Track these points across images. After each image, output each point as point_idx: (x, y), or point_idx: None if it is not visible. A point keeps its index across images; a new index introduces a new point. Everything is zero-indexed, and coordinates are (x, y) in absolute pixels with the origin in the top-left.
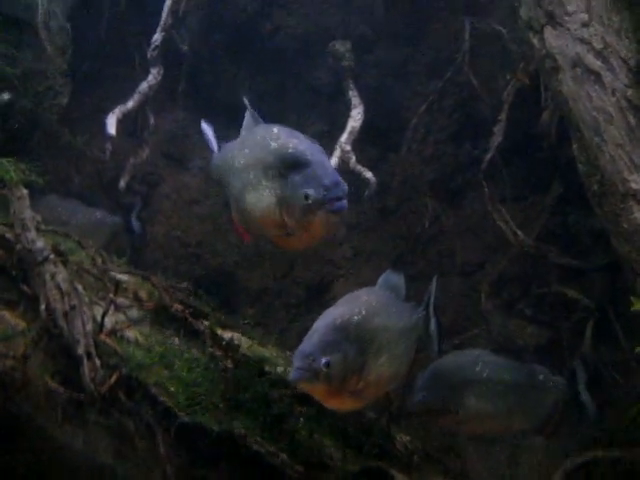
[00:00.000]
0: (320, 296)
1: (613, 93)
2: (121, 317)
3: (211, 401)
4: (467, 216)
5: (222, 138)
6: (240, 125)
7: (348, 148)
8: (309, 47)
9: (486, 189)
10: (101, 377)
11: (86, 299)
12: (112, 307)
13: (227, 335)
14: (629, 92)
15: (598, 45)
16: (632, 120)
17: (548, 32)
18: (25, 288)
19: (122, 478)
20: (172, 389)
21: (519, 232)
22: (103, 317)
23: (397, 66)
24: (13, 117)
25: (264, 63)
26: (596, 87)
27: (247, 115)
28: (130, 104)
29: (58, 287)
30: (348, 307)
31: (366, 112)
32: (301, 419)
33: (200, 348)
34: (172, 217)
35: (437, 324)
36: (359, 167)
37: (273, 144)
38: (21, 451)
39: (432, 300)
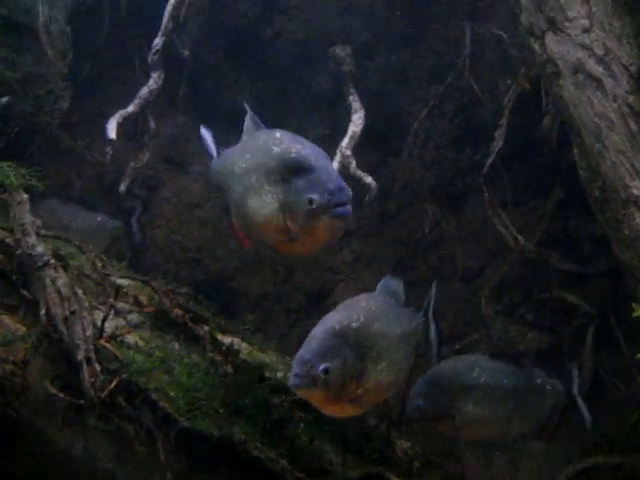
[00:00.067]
0: (320, 301)
1: (614, 99)
2: (121, 322)
3: (211, 406)
4: (468, 221)
5: (223, 143)
6: (241, 130)
7: (349, 153)
8: (310, 52)
9: (487, 194)
10: (101, 382)
11: (86, 304)
12: (112, 312)
13: (227, 340)
14: (630, 98)
15: (599, 51)
16: (633, 126)
17: (549, 38)
18: (25, 293)
19: None
20: (172, 394)
21: (520, 237)
22: (103, 322)
23: (398, 71)
24: (13, 121)
25: (265, 68)
26: (597, 93)
27: (247, 120)
28: (130, 108)
29: (58, 292)
30: (347, 313)
31: (367, 117)
32: (301, 425)
33: (200, 353)
34: (172, 221)
35: (437, 330)
36: (359, 172)
37: (276, 149)
38: (21, 455)
39: (432, 306)
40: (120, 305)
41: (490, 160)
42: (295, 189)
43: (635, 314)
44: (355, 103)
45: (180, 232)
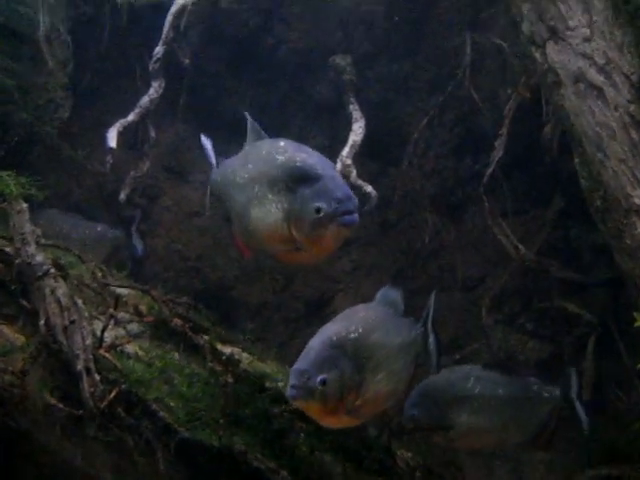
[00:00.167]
0: (320, 310)
1: (616, 108)
2: (121, 332)
3: (211, 417)
4: (468, 230)
5: (224, 152)
6: (241, 139)
7: (349, 162)
8: (310, 61)
9: (487, 203)
10: (100, 392)
11: (86, 314)
12: (112, 321)
13: (227, 350)
14: (632, 108)
15: (600, 60)
16: (635, 136)
17: (550, 47)
18: (24, 302)
19: None
20: (172, 404)
21: (520, 246)
22: (103, 332)
23: (398, 80)
24: (13, 130)
25: (265, 77)
26: (598, 102)
27: (249, 129)
28: (131, 117)
29: (58, 301)
30: (345, 323)
31: (367, 126)
32: (302, 435)
33: (200, 363)
34: (172, 230)
35: (436, 340)
36: (360, 181)
37: (280, 158)
38: (22, 466)
39: (431, 316)
40: (120, 315)
41: (490, 169)
42: (301, 198)
43: (637, 324)
44: (356, 112)
45: (180, 241)
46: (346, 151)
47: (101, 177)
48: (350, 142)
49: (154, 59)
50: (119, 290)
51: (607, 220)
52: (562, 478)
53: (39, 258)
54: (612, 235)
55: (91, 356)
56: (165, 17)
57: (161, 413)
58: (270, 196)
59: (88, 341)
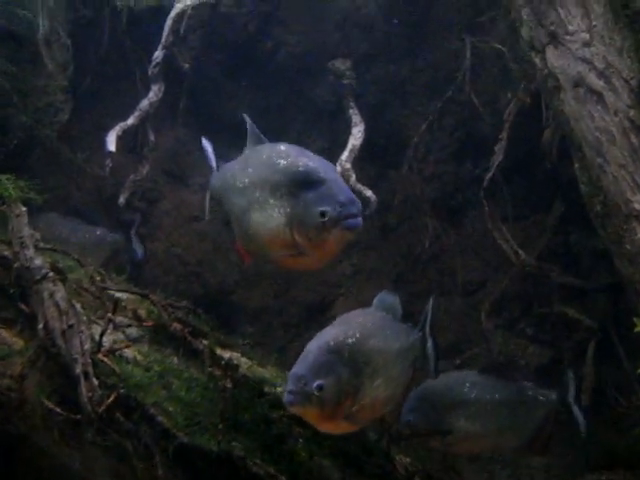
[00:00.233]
0: (320, 315)
1: (615, 113)
2: (120, 336)
3: (210, 421)
4: (468, 235)
5: (223, 156)
6: (241, 143)
7: (349, 166)
8: (310, 65)
9: (487, 208)
10: (99, 397)
11: (84, 318)
12: (111, 326)
13: (226, 355)
14: (631, 112)
15: (600, 65)
16: (635, 141)
17: (550, 51)
18: (23, 306)
19: None
20: (171, 409)
21: (520, 251)
22: (101, 336)
23: (397, 85)
24: (13, 133)
25: (265, 81)
26: (598, 107)
27: (249, 133)
28: (130, 121)
29: (56, 305)
30: (342, 328)
31: (367, 130)
32: (300, 440)
33: (199, 368)
34: (172, 234)
35: (434, 345)
36: (359, 185)
37: (282, 162)
38: (21, 470)
39: (429, 320)
40: (119, 319)
41: (490, 174)
42: (304, 202)
43: (637, 329)
44: (355, 116)
45: (180, 245)
46: (345, 155)
47: (100, 181)
48: (349, 146)
49: (154, 63)
50: (118, 294)
51: (607, 225)
52: None
53: (38, 262)
54: (612, 240)
55: (89, 360)
56: (164, 21)
57: (160, 418)
58: (272, 200)
59: (86, 345)
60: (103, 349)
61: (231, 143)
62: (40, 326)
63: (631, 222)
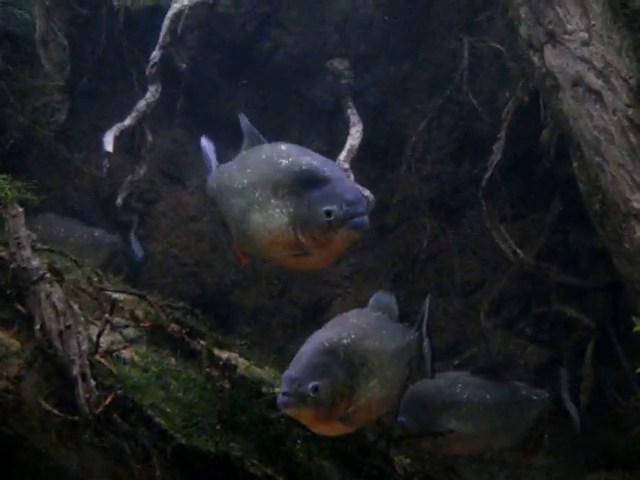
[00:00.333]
0: (317, 315)
1: (614, 112)
2: (117, 337)
3: (208, 422)
4: (466, 235)
5: (221, 157)
6: (239, 143)
7: (347, 166)
8: (308, 65)
9: (485, 207)
10: (96, 398)
11: (82, 319)
12: (108, 327)
13: (224, 355)
14: (630, 111)
15: (598, 64)
16: (633, 140)
17: (548, 50)
18: (20, 307)
19: None
20: (168, 410)
21: (519, 251)
22: (99, 337)
23: (396, 84)
24: (9, 133)
25: (263, 81)
26: (597, 106)
27: (246, 133)
28: (128, 121)
29: (53, 306)
30: (337, 329)
31: (365, 130)
32: (299, 441)
33: (197, 368)
34: (169, 235)
35: (430, 345)
36: (358, 185)
37: (283, 161)
38: (18, 472)
39: (425, 320)
40: (116, 320)
41: (489, 173)
42: (309, 201)
43: (635, 328)
44: (353, 116)
45: (177, 246)
46: (344, 155)
47: (98, 181)
48: (348, 146)
49: (151, 63)
50: (115, 295)
51: (606, 224)
52: None
53: (34, 262)
54: (611, 239)
55: (87, 361)
56: (162, 21)
57: (157, 419)
58: (273, 200)
59: (84, 346)
60: (100, 350)
61: (229, 144)
62: (37, 327)
63: (630, 221)
